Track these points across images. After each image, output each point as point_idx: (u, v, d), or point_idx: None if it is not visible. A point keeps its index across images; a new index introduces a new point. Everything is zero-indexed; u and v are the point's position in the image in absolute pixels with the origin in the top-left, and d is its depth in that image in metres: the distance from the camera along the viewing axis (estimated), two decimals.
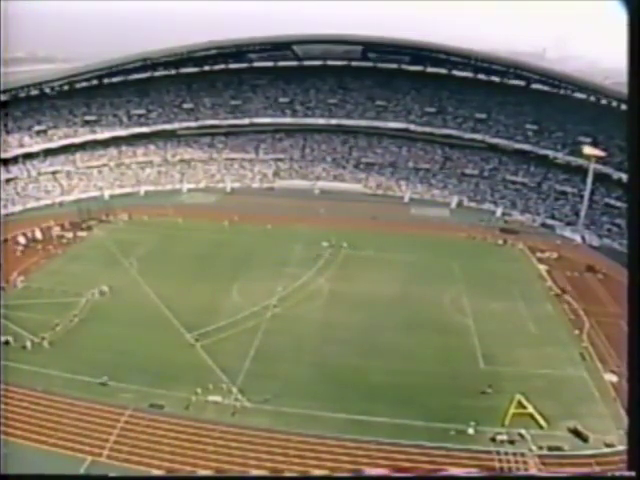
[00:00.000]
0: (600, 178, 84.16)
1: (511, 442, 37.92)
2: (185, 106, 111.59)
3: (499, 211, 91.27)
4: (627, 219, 20.35)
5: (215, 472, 34.84)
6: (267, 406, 41.24)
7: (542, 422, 39.72)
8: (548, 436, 38.54)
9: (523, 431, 38.75)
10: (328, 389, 43.44)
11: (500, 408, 41.09)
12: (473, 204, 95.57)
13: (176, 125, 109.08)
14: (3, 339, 48.95)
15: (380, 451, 36.95)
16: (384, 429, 38.92)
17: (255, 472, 34.86)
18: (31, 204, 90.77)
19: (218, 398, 41.93)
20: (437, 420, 39.75)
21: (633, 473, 13.24)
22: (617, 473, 29.96)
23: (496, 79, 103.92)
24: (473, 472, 35.32)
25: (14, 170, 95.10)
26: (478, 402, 41.76)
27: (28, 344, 48.68)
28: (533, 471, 35.75)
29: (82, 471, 34.75)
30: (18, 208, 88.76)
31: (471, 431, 38.77)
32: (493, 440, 38.09)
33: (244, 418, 40.09)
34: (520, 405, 41.32)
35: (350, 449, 37.20)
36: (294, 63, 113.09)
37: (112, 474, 34.26)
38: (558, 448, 37.37)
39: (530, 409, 40.86)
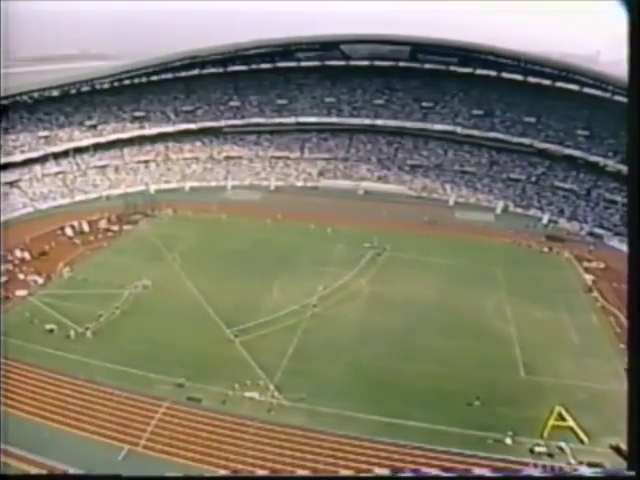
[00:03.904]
0: None
1: (550, 455, 37.05)
2: (232, 104, 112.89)
3: (546, 218, 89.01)
4: (627, 219, 19.56)
5: (249, 468, 35.13)
6: (303, 405, 41.36)
7: (583, 436, 38.61)
8: (588, 451, 37.38)
9: (563, 444, 37.78)
10: (364, 390, 43.26)
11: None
12: (519, 210, 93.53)
13: (222, 122, 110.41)
14: (48, 327, 50.58)
15: (412, 455, 36.63)
16: (418, 433, 38.50)
17: (298, 471, 35.00)
18: (79, 197, 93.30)
19: (255, 394, 42.22)
20: (474, 428, 39.15)
21: (633, 473, 12.87)
22: (617, 473, 29.10)
23: (546, 82, 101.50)
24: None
25: (64, 163, 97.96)
26: (518, 411, 40.93)
27: (72, 333, 50.00)
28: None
29: (120, 459, 35.53)
30: (67, 200, 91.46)
31: (509, 441, 38.06)
32: (532, 452, 37.31)
33: (280, 416, 40.26)
34: (560, 417, 40.23)
35: (382, 451, 36.98)
36: (341, 63, 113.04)
37: (148, 464, 35.00)
38: (598, 465, 36.09)
39: (570, 422, 39.75)
